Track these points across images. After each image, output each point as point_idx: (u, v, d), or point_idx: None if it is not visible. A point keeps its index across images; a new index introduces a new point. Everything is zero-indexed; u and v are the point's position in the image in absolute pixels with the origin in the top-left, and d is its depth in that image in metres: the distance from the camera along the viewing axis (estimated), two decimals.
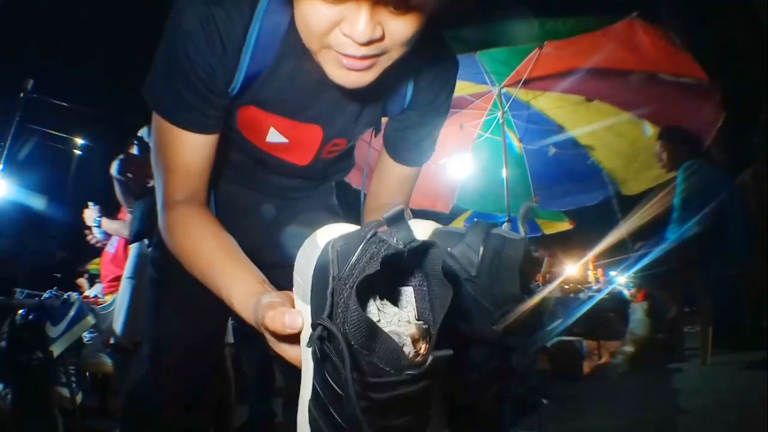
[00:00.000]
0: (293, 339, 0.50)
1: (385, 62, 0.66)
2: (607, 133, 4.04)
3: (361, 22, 0.58)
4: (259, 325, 0.52)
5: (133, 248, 2.49)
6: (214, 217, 0.77)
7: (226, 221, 0.99)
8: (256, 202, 1.02)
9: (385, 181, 0.97)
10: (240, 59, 0.73)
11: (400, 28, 0.62)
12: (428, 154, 0.96)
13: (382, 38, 0.61)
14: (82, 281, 4.78)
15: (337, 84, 0.67)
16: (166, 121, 0.75)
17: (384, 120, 0.95)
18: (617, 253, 3.91)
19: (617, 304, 4.04)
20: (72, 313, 2.15)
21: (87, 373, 2.71)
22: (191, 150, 0.76)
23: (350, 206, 1.07)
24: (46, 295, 2.27)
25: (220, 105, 0.77)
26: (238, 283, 0.63)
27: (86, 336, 2.39)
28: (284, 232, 1.01)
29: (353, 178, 1.11)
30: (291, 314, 0.47)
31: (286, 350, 0.52)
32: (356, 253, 0.39)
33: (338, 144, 0.92)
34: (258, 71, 0.76)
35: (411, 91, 0.86)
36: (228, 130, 0.84)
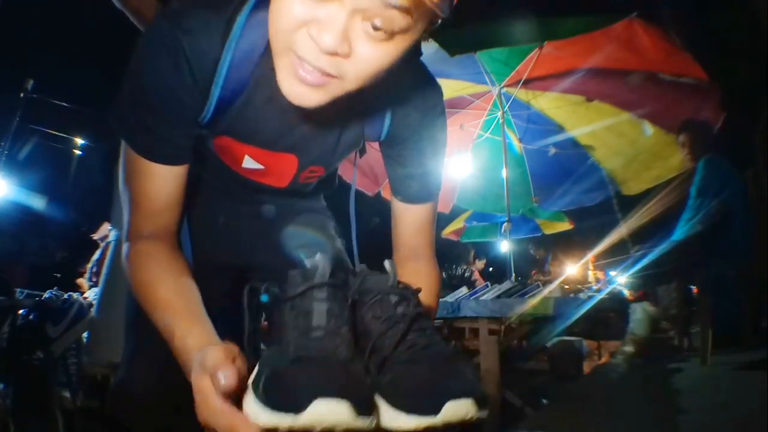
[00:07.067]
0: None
1: (336, 89, 0.61)
2: (607, 133, 4.04)
3: (332, 28, 0.54)
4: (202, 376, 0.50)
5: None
6: (180, 258, 0.73)
7: (212, 224, 0.96)
8: (240, 209, 1.00)
9: (401, 226, 0.90)
10: (210, 90, 0.70)
11: (371, 55, 0.57)
12: (431, 189, 0.88)
13: (346, 56, 0.57)
14: (82, 281, 4.76)
15: (288, 99, 0.63)
16: (134, 150, 0.71)
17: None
18: (617, 253, 3.91)
19: (617, 304, 4.04)
20: (72, 313, 2.15)
21: (87, 373, 2.70)
22: (159, 182, 0.72)
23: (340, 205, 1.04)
24: (46, 295, 2.27)
25: (190, 135, 0.74)
26: (194, 334, 0.59)
27: (86, 336, 2.39)
28: (273, 234, 0.99)
29: (345, 172, 1.10)
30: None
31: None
32: None
33: (315, 171, 0.89)
34: (229, 101, 0.73)
35: (389, 118, 0.82)
36: (204, 149, 0.82)
